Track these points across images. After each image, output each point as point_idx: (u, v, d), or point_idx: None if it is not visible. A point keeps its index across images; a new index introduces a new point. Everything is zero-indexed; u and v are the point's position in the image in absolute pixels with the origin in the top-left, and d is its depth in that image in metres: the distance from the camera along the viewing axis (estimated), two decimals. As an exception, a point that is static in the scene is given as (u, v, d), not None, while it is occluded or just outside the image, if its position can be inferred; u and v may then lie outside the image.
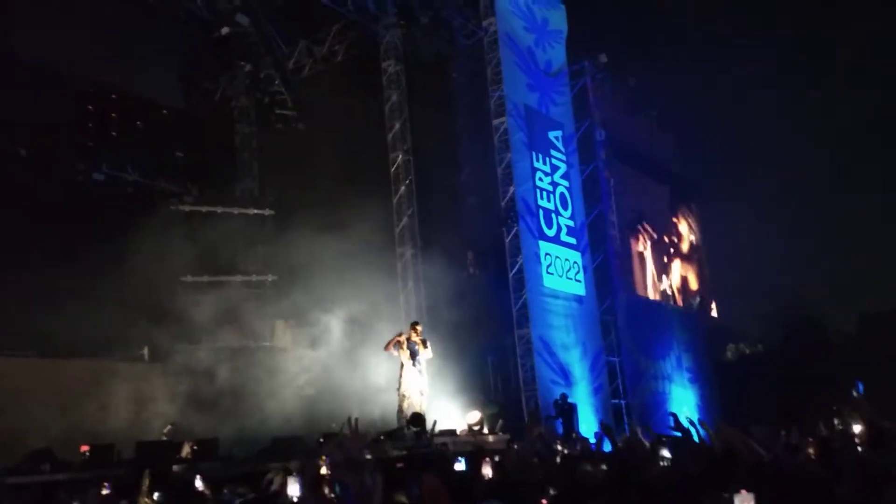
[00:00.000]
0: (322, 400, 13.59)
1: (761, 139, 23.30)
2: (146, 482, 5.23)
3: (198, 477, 6.28)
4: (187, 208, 15.71)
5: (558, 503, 4.36)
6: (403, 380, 11.55)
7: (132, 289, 12.67)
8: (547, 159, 17.53)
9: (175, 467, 9.03)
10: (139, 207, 14.97)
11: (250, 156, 18.48)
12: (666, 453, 5.49)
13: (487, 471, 5.18)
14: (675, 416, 5.93)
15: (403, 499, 4.13)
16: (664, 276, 22.99)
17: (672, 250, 24.02)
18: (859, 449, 5.61)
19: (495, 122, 16.52)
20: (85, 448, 9.46)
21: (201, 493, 6.09)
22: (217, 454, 10.27)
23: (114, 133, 16.70)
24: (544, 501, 4.79)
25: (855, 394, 11.34)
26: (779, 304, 22.58)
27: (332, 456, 3.59)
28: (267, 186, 17.59)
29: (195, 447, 10.07)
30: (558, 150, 18.00)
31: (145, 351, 13.73)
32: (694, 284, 24.80)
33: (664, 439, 6.33)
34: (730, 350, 24.22)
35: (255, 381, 14.19)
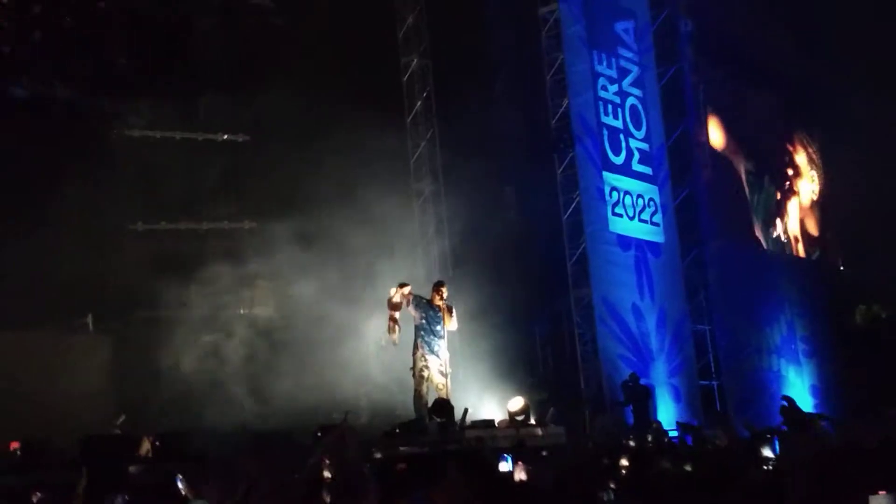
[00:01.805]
0: (319, 383, 13.83)
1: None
2: (82, 484, 5.40)
3: (179, 477, 6.49)
4: (137, 134, 15.80)
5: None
6: (419, 357, 11.67)
7: (68, 241, 12.85)
8: (613, 61, 17.30)
9: (132, 468, 9.29)
10: (73, 133, 15.06)
11: (216, 62, 18.40)
12: (768, 452, 5.56)
13: (521, 475, 5.34)
14: (789, 400, 5.93)
15: None
16: (777, 219, 22.80)
17: (788, 184, 23.74)
18: None
19: (542, 10, 16.30)
20: (15, 445, 9.76)
21: (183, 497, 6.31)
22: (185, 452, 10.54)
23: (36, 34, 16.71)
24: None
25: None
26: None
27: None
28: (239, 103, 17.57)
29: (156, 443, 10.34)
30: (628, 49, 17.75)
31: (88, 319, 14.01)
32: (815, 230, 24.55)
33: (768, 434, 6.40)
34: (860, 312, 24.06)
35: (231, 358, 14.45)
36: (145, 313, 14.32)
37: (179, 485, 6.35)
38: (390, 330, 11.54)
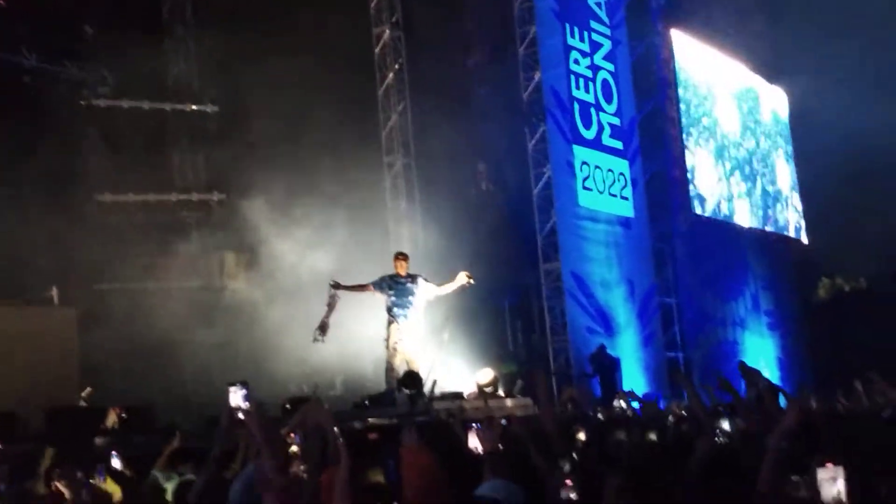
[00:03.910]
0: (289, 356, 13.82)
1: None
2: (46, 461, 5.40)
3: (113, 454, 6.48)
4: (103, 103, 15.64)
5: (584, 484, 4.49)
6: (394, 329, 11.67)
7: (33, 211, 12.71)
8: (585, 34, 17.27)
9: (97, 440, 9.27)
10: (40, 103, 14.88)
11: (185, 30, 18.19)
12: (726, 425, 5.61)
13: (475, 443, 5.30)
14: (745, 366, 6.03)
15: (379, 477, 4.27)
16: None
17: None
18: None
19: (514, -18, 16.24)
20: (-19, 418, 9.69)
21: (121, 472, 6.29)
22: (153, 424, 10.53)
23: (2, 2, 16.44)
24: (569, 482, 4.92)
25: None
26: (892, 226, 22.56)
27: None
28: (209, 73, 17.41)
29: (123, 415, 10.31)
30: (601, 22, 17.72)
31: (53, 292, 13.88)
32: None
33: (720, 407, 6.48)
34: (823, 286, 24.38)
35: (199, 331, 14.42)
36: (112, 285, 14.23)
37: (115, 462, 6.33)
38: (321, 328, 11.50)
